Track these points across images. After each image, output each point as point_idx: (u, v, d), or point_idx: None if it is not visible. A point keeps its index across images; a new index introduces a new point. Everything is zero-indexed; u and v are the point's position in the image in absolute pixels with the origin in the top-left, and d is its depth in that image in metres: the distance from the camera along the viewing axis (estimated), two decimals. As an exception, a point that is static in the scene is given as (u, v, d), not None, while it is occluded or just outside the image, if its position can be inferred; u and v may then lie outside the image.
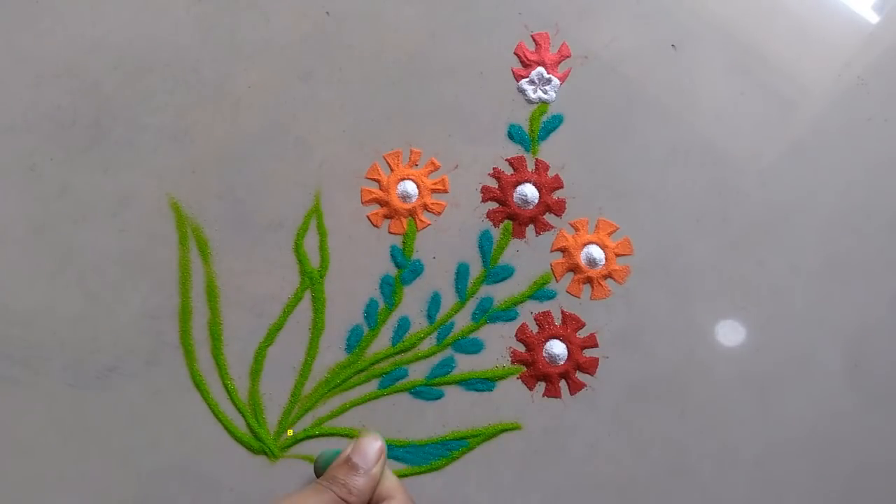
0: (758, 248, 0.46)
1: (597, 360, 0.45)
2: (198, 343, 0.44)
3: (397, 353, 0.44)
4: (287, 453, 0.43)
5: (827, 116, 0.47)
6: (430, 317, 0.45)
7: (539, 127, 0.46)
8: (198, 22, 0.45)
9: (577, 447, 0.44)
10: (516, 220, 0.45)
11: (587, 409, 0.44)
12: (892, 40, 0.47)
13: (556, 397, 0.44)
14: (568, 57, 0.46)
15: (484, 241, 0.45)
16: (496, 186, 0.45)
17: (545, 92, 0.46)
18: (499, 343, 0.45)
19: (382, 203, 0.45)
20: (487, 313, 0.45)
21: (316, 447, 0.43)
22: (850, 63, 0.47)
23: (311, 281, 0.44)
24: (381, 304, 0.44)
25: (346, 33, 0.45)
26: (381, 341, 0.44)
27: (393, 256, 0.45)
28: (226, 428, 0.43)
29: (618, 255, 0.45)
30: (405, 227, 0.45)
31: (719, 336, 0.45)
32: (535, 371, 0.44)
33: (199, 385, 0.43)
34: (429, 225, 0.45)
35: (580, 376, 0.45)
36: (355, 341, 0.44)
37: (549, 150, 0.46)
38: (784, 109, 0.47)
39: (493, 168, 0.45)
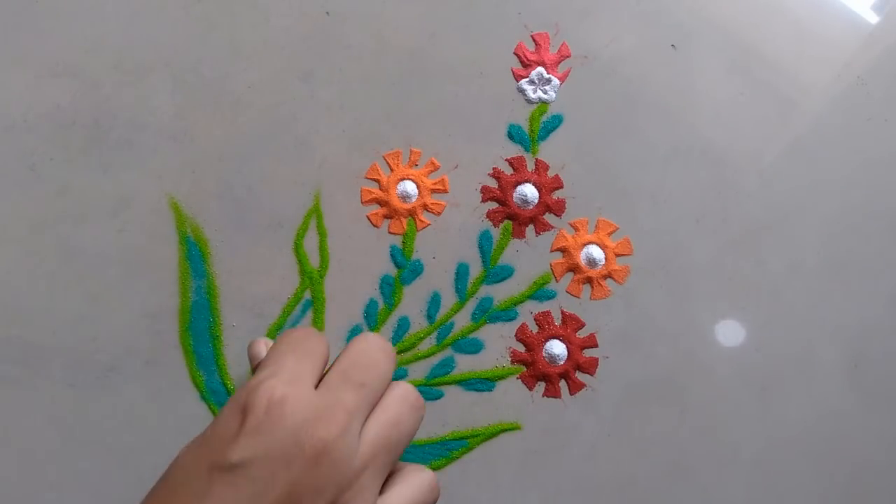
0: (758, 248, 0.46)
1: (597, 360, 0.45)
2: (198, 343, 0.44)
3: (397, 353, 0.44)
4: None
5: (827, 116, 0.47)
6: (430, 317, 0.45)
7: (539, 127, 0.45)
8: (198, 22, 0.45)
9: (577, 447, 0.44)
10: (516, 220, 0.45)
11: (587, 409, 0.44)
12: (892, 40, 0.47)
13: (555, 397, 0.44)
14: (568, 57, 0.46)
15: (484, 241, 0.45)
16: (496, 186, 0.45)
17: (545, 92, 0.46)
18: (499, 343, 0.45)
19: (382, 203, 0.45)
20: (487, 313, 0.45)
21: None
22: (850, 63, 0.47)
23: (311, 281, 0.44)
24: (381, 304, 0.44)
25: (346, 33, 0.45)
26: (381, 341, 0.44)
27: (393, 256, 0.45)
28: (226, 428, 0.43)
29: (618, 255, 0.45)
30: (405, 227, 0.45)
31: (719, 336, 0.45)
32: (534, 371, 0.44)
33: (199, 385, 0.43)
34: (429, 225, 0.45)
35: (580, 376, 0.45)
36: (355, 341, 0.44)
37: (549, 150, 0.46)
38: (784, 109, 0.47)
39: (493, 168, 0.45)
